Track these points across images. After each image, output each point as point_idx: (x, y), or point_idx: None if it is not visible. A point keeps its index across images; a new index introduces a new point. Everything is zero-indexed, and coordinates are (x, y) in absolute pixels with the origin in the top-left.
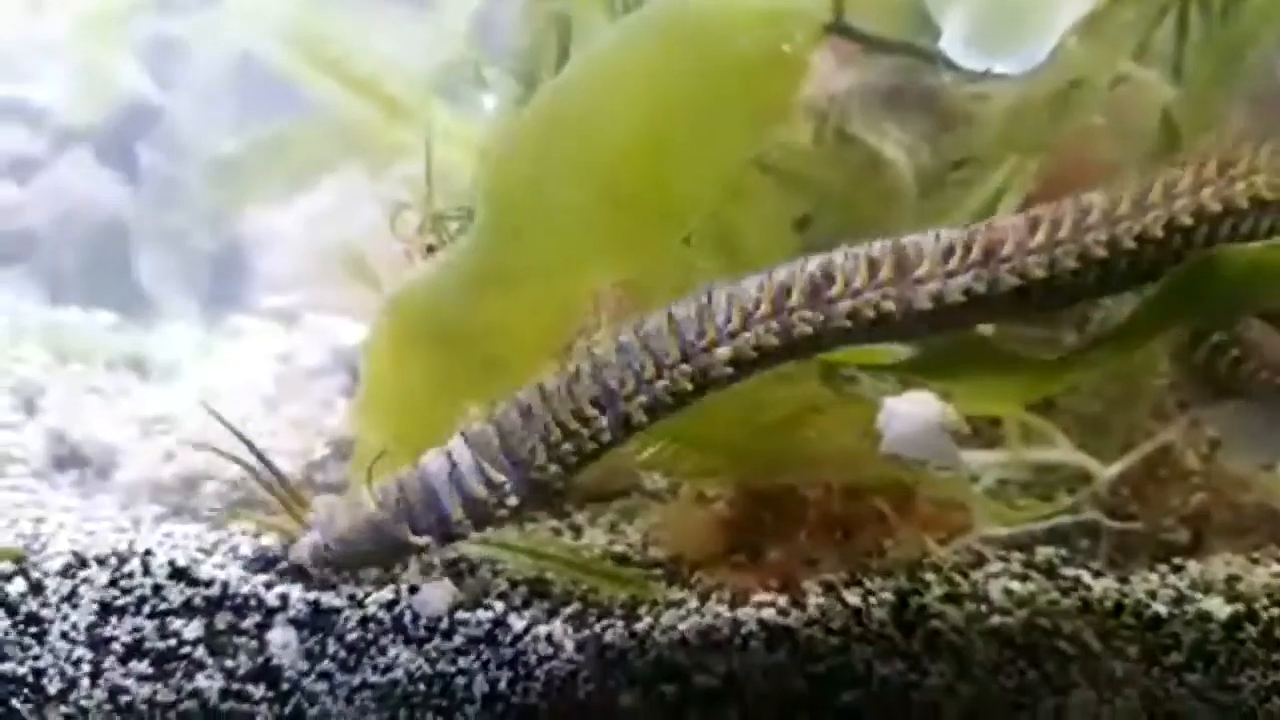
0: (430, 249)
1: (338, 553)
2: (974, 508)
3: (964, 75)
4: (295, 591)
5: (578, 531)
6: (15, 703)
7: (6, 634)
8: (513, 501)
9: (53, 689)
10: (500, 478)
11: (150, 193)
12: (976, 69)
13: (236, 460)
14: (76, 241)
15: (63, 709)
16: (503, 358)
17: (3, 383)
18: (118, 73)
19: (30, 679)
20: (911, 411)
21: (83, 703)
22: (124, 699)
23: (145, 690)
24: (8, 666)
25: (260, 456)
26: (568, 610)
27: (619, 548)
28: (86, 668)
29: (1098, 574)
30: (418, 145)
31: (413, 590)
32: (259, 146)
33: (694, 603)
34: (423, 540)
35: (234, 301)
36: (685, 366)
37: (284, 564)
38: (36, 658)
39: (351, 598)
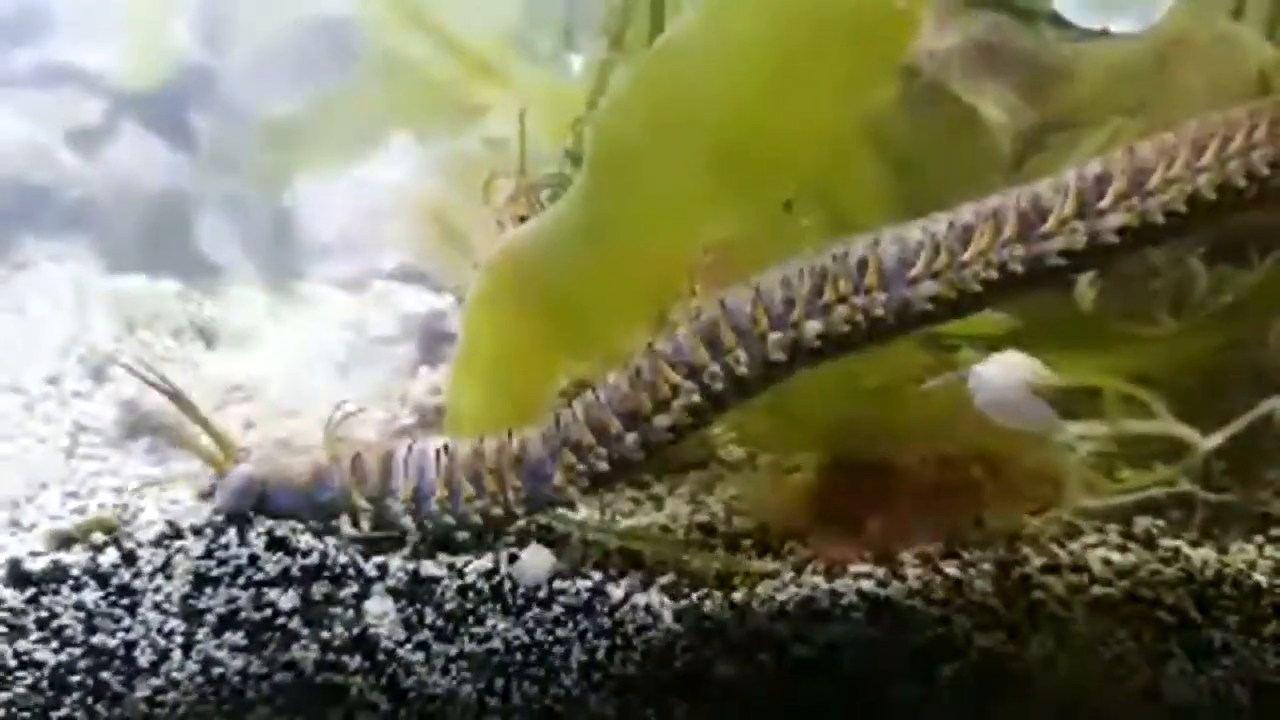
0: (523, 218)
1: (271, 487)
2: (1069, 479)
3: (1067, 33)
4: (395, 561)
5: (658, 502)
6: (105, 675)
7: (97, 605)
8: (475, 521)
9: (144, 661)
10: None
11: (208, 158)
12: (1092, 27)
13: (170, 397)
14: (136, 209)
15: (153, 681)
16: (602, 321)
17: (71, 351)
18: (172, 36)
19: (121, 651)
20: (1001, 373)
21: (174, 675)
22: (216, 671)
23: (238, 662)
24: (98, 639)
25: (179, 395)
26: (663, 580)
27: (703, 518)
28: (179, 639)
29: (1195, 544)
30: (487, 106)
31: (512, 559)
32: (316, 108)
33: (789, 574)
34: (360, 505)
35: (297, 268)
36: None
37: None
38: (128, 629)
39: (451, 567)
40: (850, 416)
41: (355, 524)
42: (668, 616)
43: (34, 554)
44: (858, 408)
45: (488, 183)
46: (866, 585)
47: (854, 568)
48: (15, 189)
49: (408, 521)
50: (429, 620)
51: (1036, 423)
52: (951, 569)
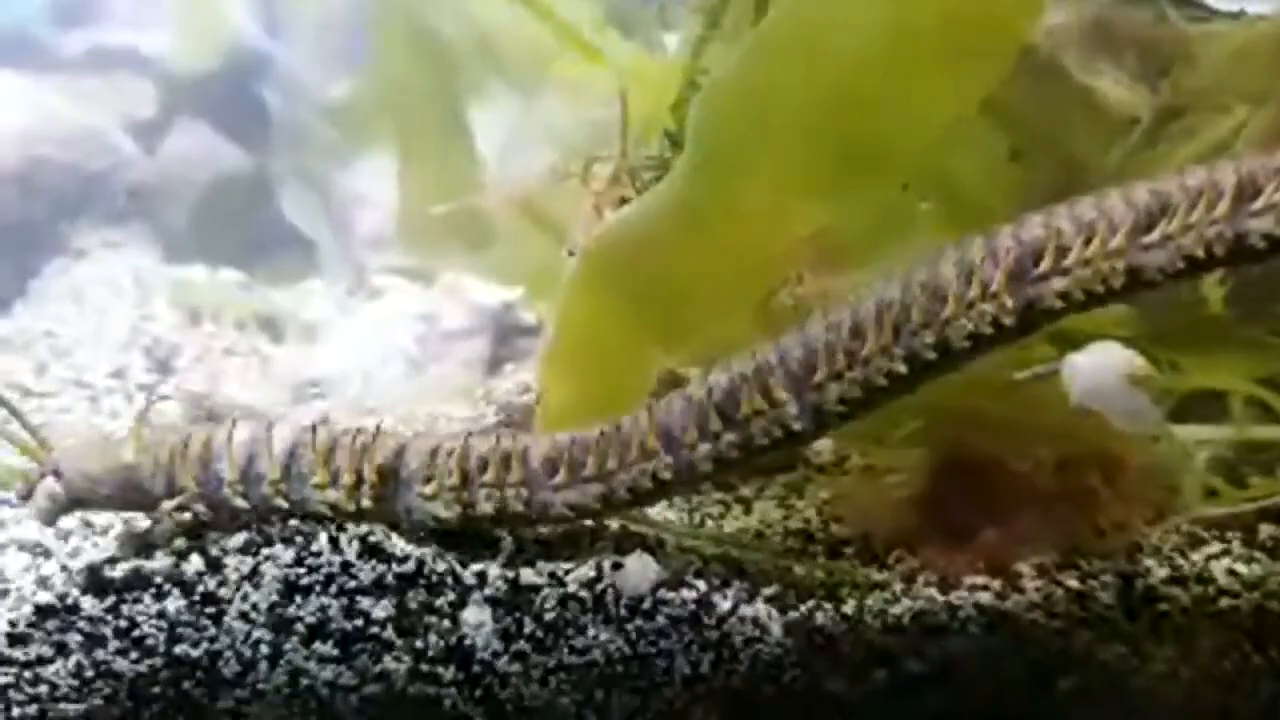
0: (623, 200)
1: (79, 488)
2: (1186, 484)
3: (1194, 13)
4: (493, 569)
5: (746, 505)
6: (187, 686)
7: (180, 614)
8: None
9: (228, 672)
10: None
11: (268, 144)
12: (1228, 9)
13: None
14: (192, 195)
15: (237, 693)
16: (702, 310)
17: (135, 342)
18: (227, 18)
19: (205, 662)
20: (1096, 362)
21: (259, 686)
22: (304, 682)
23: (327, 673)
24: (181, 649)
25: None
26: (768, 591)
27: (796, 524)
28: (265, 650)
29: None
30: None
31: (615, 567)
32: (378, 91)
33: (899, 585)
34: (173, 502)
35: (359, 258)
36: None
37: None
38: (212, 639)
39: (552, 575)
40: (965, 408)
41: (180, 509)
42: (776, 629)
43: (112, 560)
44: (973, 400)
45: (586, 165)
46: (984, 598)
47: (969, 579)
48: (71, 176)
49: (241, 503)
50: (528, 630)
51: (1135, 415)
52: (1071, 580)
